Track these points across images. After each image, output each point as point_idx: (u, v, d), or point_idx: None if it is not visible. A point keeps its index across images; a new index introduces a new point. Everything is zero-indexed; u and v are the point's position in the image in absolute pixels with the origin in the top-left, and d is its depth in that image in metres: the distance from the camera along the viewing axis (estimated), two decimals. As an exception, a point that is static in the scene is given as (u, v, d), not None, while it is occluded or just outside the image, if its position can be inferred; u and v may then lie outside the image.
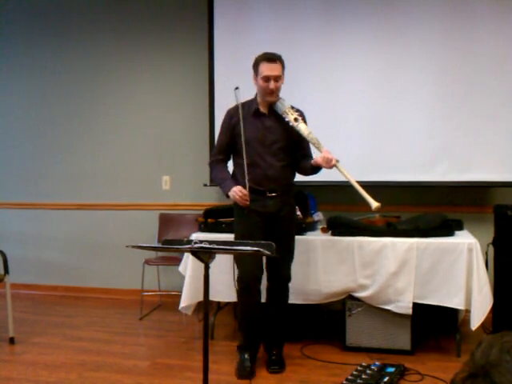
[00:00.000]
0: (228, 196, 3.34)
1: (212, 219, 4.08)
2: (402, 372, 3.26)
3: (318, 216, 4.19)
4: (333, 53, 4.49)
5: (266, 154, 3.30)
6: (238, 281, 3.37)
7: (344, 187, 4.49)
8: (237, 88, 3.20)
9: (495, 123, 4.23)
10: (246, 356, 3.35)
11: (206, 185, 4.78)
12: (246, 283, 3.33)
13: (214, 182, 3.55)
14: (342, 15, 4.47)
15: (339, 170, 3.23)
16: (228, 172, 3.45)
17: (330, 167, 3.21)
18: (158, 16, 5.17)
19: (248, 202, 3.22)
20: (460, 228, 3.97)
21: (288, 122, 3.27)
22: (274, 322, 3.50)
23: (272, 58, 3.24)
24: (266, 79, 3.22)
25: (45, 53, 5.49)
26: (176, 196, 5.20)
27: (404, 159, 4.38)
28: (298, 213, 3.92)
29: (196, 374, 3.18)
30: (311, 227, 4.01)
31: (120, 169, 5.34)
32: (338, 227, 3.82)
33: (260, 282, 3.37)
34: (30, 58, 5.54)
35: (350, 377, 3.08)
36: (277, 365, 3.41)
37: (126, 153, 5.33)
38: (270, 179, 3.30)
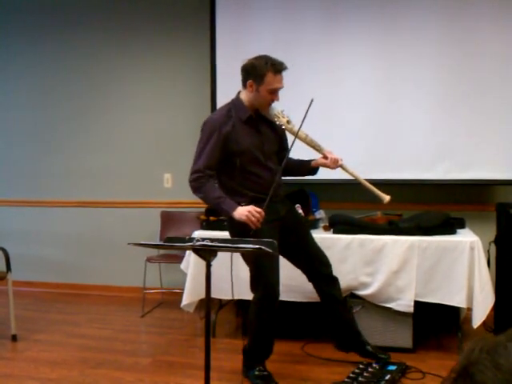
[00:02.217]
0: (230, 217, 3.04)
1: (214, 217, 4.08)
2: (403, 370, 3.26)
3: (320, 214, 4.19)
4: (334, 52, 4.48)
5: (267, 161, 3.16)
6: (257, 301, 3.12)
7: (346, 185, 4.50)
8: (312, 100, 2.98)
9: (497, 121, 4.22)
10: (262, 368, 3.16)
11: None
12: (275, 297, 3.10)
13: (206, 201, 3.14)
14: (343, 15, 4.46)
15: (344, 169, 3.21)
16: (220, 190, 3.12)
17: (337, 167, 3.18)
18: (159, 16, 5.17)
19: (259, 225, 2.96)
20: (462, 226, 3.97)
21: (281, 126, 3.15)
22: (344, 314, 3.38)
23: (281, 69, 3.02)
24: (273, 91, 3.04)
25: (45, 52, 5.50)
26: (178, 194, 5.19)
27: (406, 157, 4.38)
28: (300, 211, 3.92)
29: (197, 371, 3.18)
30: (313, 225, 4.00)
31: (122, 167, 5.35)
32: (340, 225, 3.82)
33: None
34: (30, 57, 5.54)
35: (351, 375, 3.08)
36: (382, 352, 3.36)
37: (127, 151, 5.33)
38: (276, 185, 3.08)
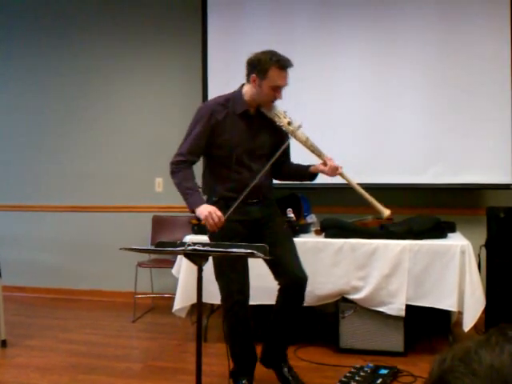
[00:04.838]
0: (193, 212, 2.94)
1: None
2: (394, 374, 3.27)
3: (312, 218, 4.20)
4: (327, 54, 4.50)
5: (251, 161, 2.97)
6: (223, 301, 3.01)
7: (337, 189, 4.52)
8: (300, 126, 2.98)
9: (488, 125, 4.25)
10: (245, 381, 3.03)
11: (199, 187, 4.76)
12: (234, 303, 2.97)
13: (178, 188, 2.99)
14: (336, 17, 4.49)
15: (344, 178, 3.05)
16: (195, 181, 3.00)
17: (335, 175, 3.02)
18: (151, 17, 5.18)
19: (217, 229, 2.84)
20: (453, 230, 3.99)
21: (281, 127, 2.99)
22: (283, 331, 3.11)
23: (286, 65, 2.87)
24: (276, 88, 2.88)
25: (41, 54, 5.49)
26: (169, 198, 5.16)
27: (397, 161, 4.40)
28: (292, 215, 3.92)
29: (189, 376, 3.16)
30: (304, 229, 4.01)
31: (113, 171, 5.33)
32: (332, 229, 3.83)
33: (249, 297, 3.02)
34: (27, 59, 5.53)
35: (343, 379, 3.08)
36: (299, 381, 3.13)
37: (119, 155, 5.32)
38: (253, 187, 2.89)
